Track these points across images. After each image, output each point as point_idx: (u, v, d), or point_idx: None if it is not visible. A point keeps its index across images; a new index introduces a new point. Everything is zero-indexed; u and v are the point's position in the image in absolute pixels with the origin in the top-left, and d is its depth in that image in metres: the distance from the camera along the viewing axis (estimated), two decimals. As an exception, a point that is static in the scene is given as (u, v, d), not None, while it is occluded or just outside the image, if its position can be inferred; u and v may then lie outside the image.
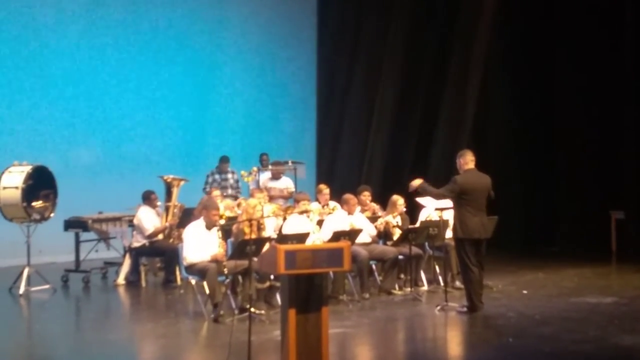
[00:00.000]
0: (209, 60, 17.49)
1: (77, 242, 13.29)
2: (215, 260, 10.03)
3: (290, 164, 15.10)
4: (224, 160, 15.06)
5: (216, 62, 17.60)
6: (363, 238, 11.53)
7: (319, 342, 7.14)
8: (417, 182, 10.50)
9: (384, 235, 12.10)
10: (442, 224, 11.39)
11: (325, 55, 18.70)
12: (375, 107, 17.64)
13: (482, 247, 10.27)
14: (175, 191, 13.16)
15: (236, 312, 9.90)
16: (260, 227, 10.61)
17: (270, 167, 15.00)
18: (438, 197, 10.60)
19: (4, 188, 12.02)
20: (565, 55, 16.21)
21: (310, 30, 18.80)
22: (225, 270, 9.87)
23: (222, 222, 10.54)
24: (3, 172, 12.18)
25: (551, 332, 9.25)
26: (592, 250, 15.16)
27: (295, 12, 18.66)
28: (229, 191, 14.64)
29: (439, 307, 10.50)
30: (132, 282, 12.81)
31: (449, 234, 11.49)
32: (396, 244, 11.73)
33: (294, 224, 11.09)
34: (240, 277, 10.30)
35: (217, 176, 14.97)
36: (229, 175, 15.02)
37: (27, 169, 12.14)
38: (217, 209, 10.60)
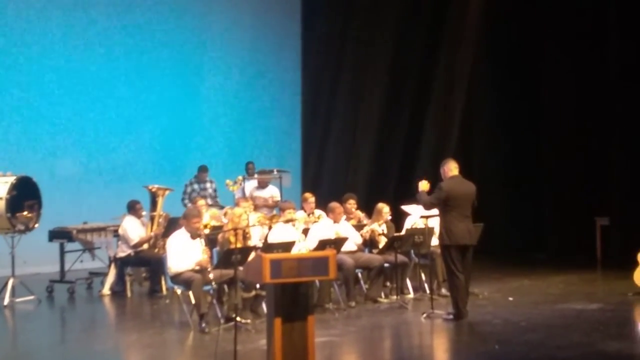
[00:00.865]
0: (194, 69, 17.48)
1: (62, 253, 13.25)
2: (200, 266, 10.01)
3: (275, 172, 15.10)
4: (203, 169, 15.03)
5: (201, 71, 17.59)
6: (349, 246, 11.52)
7: (305, 351, 7.14)
8: (423, 187, 10.51)
9: (369, 243, 12.09)
10: (427, 232, 11.39)
11: (311, 63, 18.72)
12: (361, 116, 17.68)
13: (469, 253, 10.29)
14: (160, 201, 13.12)
15: (222, 321, 9.86)
16: (245, 236, 10.59)
17: (255, 175, 14.99)
18: (428, 206, 10.59)
19: (-12, 199, 11.97)
20: (553, 63, 16.26)
21: (295, 38, 18.82)
22: (211, 276, 9.84)
23: (207, 231, 10.52)
24: (-13, 183, 12.13)
25: (537, 339, 9.26)
26: (578, 257, 15.20)
27: (280, 19, 18.68)
28: (208, 201, 14.59)
29: (425, 315, 10.51)
30: (118, 292, 12.77)
31: (434, 241, 11.51)
32: (382, 252, 11.73)
33: (280, 233, 11.08)
34: (225, 287, 10.27)
35: (195, 186, 14.92)
36: (208, 185, 14.99)
37: (11, 179, 12.08)
38: (197, 216, 10.58)
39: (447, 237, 10.13)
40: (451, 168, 10.37)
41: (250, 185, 14.83)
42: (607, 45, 15.63)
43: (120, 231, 12.80)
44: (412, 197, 11.14)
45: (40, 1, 15.50)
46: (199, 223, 10.42)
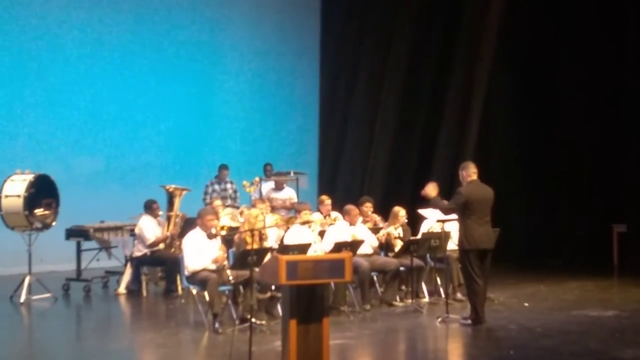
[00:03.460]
0: (211, 70, 17.51)
1: (79, 251, 13.30)
2: (216, 263, 10.04)
3: (292, 174, 15.11)
4: (223, 167, 15.05)
5: (218, 72, 17.62)
6: (364, 249, 11.52)
7: (319, 353, 7.14)
8: (432, 192, 10.52)
9: (385, 246, 12.08)
10: (443, 236, 11.38)
11: (328, 65, 18.72)
12: (378, 118, 17.66)
13: (487, 258, 10.25)
14: (177, 201, 13.16)
15: (237, 322, 9.88)
16: (262, 238, 10.61)
17: (272, 177, 15.01)
18: (446, 211, 10.56)
19: (6, 196, 12.04)
20: (570, 70, 16.20)
21: (312, 40, 18.82)
22: (229, 273, 9.86)
23: (223, 232, 10.54)
24: (5, 181, 12.20)
25: (552, 345, 9.23)
26: (594, 264, 15.14)
27: (298, 21, 18.68)
28: (228, 201, 14.62)
29: (440, 319, 10.49)
30: (133, 291, 12.81)
31: (450, 245, 11.50)
32: (398, 255, 11.71)
33: (296, 235, 11.09)
34: (241, 287, 10.29)
35: (216, 186, 14.96)
36: (228, 186, 15.02)
37: (30, 177, 12.16)
38: (213, 214, 10.63)
39: (466, 241, 10.10)
40: (470, 173, 10.32)
41: (267, 186, 14.85)
42: (623, 51, 15.57)
43: (137, 230, 12.84)
44: (429, 200, 11.10)
45: (61, 2, 15.58)
46: (213, 221, 10.46)
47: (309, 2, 18.80)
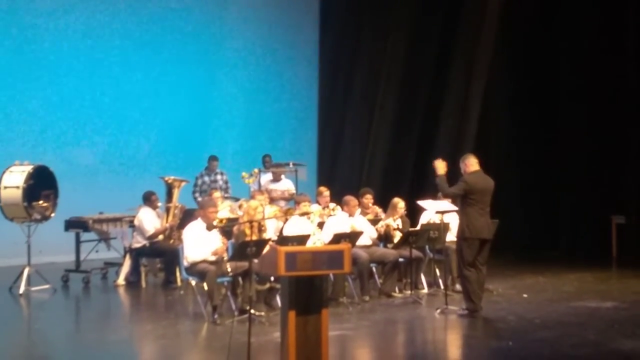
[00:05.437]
0: (210, 61, 17.48)
1: (78, 242, 13.31)
2: (216, 255, 10.05)
3: (291, 165, 15.09)
4: (213, 159, 15.01)
5: (217, 64, 17.58)
6: (364, 240, 11.52)
7: (318, 344, 7.14)
8: (441, 169, 10.47)
9: (384, 237, 12.09)
10: (442, 227, 11.38)
11: (327, 57, 18.69)
12: (377, 109, 17.65)
13: (486, 248, 10.25)
14: (176, 192, 13.15)
15: (236, 313, 9.89)
16: (261, 229, 10.61)
17: (271, 168, 15.00)
18: (448, 195, 10.60)
19: (5, 187, 12.03)
20: (567, 61, 16.20)
21: (312, 32, 18.79)
22: (228, 267, 9.87)
23: (221, 224, 10.54)
24: (4, 172, 12.20)
25: (551, 336, 9.24)
26: (593, 255, 15.15)
27: (298, 14, 18.65)
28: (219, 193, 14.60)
29: (439, 310, 10.50)
30: (132, 282, 12.82)
31: (449, 237, 11.50)
32: (397, 246, 11.73)
33: (295, 226, 11.09)
34: (240, 279, 10.29)
35: (206, 178, 14.92)
36: (218, 177, 14.98)
37: (28, 168, 12.15)
38: (214, 206, 10.63)
39: (467, 230, 10.10)
40: (472, 163, 10.33)
41: (265, 178, 14.83)
42: (624, 40, 15.57)
43: (136, 222, 12.84)
44: (427, 192, 11.09)
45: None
46: (215, 213, 10.46)
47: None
